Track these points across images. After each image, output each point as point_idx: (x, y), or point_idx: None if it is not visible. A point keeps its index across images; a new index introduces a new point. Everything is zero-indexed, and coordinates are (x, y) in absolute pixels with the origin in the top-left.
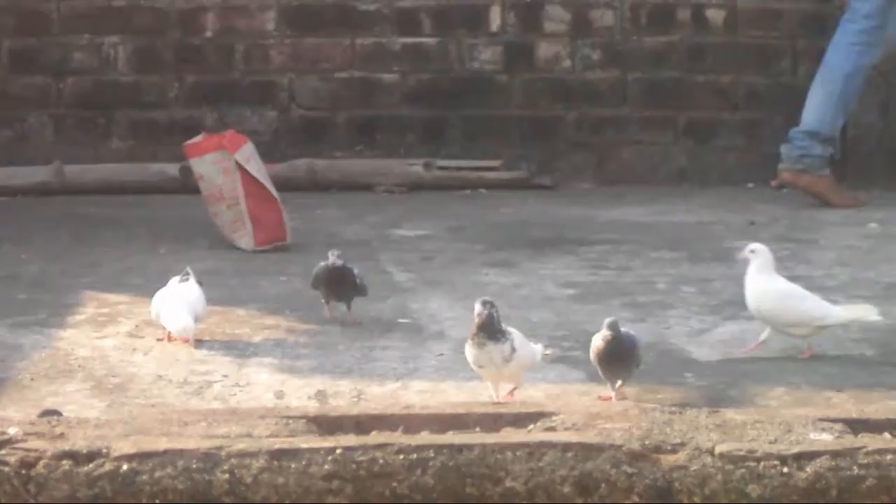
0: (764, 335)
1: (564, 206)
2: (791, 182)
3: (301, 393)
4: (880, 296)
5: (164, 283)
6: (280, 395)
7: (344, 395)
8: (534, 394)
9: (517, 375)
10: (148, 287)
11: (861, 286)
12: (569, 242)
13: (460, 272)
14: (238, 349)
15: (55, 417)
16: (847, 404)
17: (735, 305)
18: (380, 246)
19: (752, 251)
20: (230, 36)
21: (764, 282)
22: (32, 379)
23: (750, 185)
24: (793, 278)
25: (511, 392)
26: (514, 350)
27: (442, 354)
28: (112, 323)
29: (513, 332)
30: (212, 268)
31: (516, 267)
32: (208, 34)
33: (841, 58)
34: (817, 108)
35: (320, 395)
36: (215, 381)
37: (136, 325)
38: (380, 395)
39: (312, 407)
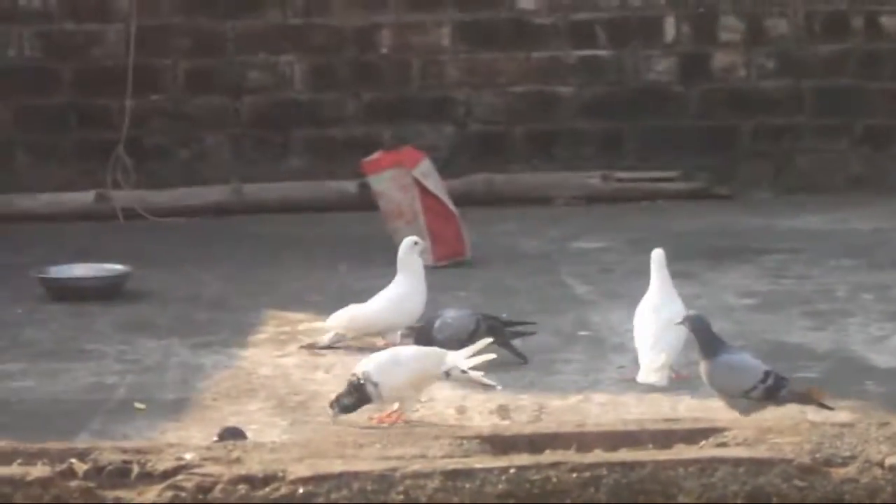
0: None
1: (743, 215)
2: None
3: (483, 408)
4: None
5: (343, 300)
6: (462, 410)
7: (525, 410)
8: (713, 404)
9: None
10: (327, 305)
11: None
12: (748, 252)
13: (640, 284)
14: None
15: (231, 442)
16: None
17: None
18: (559, 259)
19: None
20: (406, 52)
21: None
22: (214, 399)
23: None
24: None
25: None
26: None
27: (623, 367)
28: (293, 341)
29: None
30: None
31: (696, 277)
32: (384, 50)
33: None
34: None
35: (502, 410)
36: None
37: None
38: (561, 409)
39: (486, 426)
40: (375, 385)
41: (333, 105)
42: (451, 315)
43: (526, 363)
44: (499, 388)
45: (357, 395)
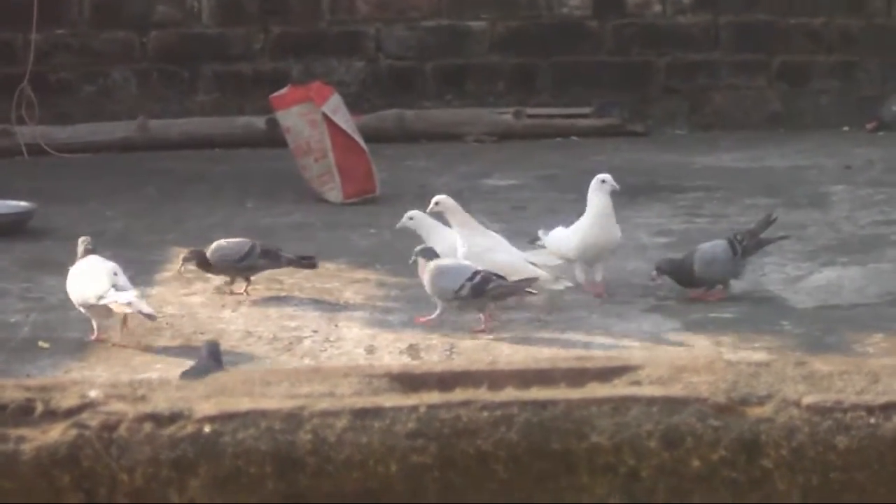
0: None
1: (657, 152)
2: None
3: (393, 347)
4: None
5: (249, 237)
6: (371, 349)
7: (436, 349)
8: (628, 343)
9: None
10: None
11: None
12: (662, 190)
13: (552, 222)
14: (328, 304)
15: (139, 379)
16: None
17: (832, 251)
18: (471, 196)
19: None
20: None
21: None
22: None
23: (845, 128)
24: (890, 222)
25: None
26: None
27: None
28: (199, 279)
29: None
30: (300, 221)
31: None
32: None
33: None
34: None
35: (412, 350)
36: (305, 337)
37: (225, 281)
38: (472, 348)
39: (396, 364)
40: None
41: (241, 40)
42: (229, 241)
43: (315, 264)
44: (158, 316)
45: None
